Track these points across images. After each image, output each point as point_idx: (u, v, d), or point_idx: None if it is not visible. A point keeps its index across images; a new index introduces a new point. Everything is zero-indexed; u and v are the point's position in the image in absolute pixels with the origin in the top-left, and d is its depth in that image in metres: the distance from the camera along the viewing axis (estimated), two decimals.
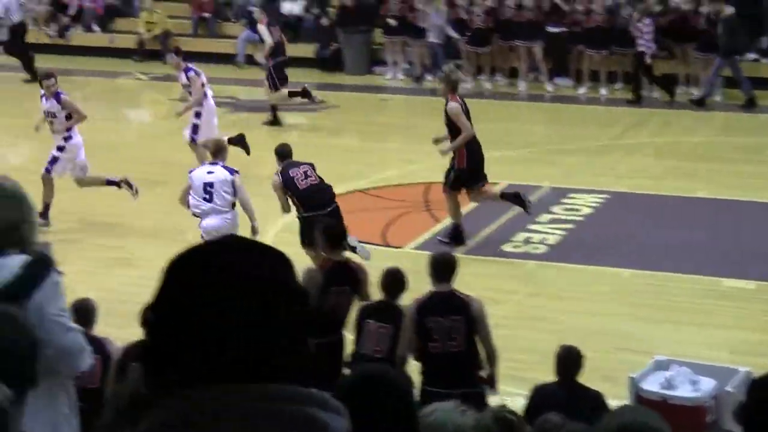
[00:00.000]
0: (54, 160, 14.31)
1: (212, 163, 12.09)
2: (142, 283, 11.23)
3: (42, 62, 24.74)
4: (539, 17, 22.42)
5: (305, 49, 24.59)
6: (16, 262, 4.65)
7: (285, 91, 19.06)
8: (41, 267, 4.69)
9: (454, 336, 8.18)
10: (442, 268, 8.36)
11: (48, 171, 14.25)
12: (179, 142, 16.79)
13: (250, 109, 20.18)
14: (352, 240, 11.95)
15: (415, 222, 14.31)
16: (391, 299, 8.70)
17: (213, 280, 1.98)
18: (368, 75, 24.29)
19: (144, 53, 25.44)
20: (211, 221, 11.70)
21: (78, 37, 26.18)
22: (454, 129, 13.17)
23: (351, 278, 8.99)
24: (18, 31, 23.91)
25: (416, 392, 7.93)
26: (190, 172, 12.13)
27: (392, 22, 23.81)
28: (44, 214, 13.63)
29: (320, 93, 22.47)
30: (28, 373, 3.43)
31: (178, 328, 1.96)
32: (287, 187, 11.79)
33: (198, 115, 16.22)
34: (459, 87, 13.65)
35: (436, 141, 13.78)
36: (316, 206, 11.72)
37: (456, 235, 13.41)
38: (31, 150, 17.29)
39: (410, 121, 20.73)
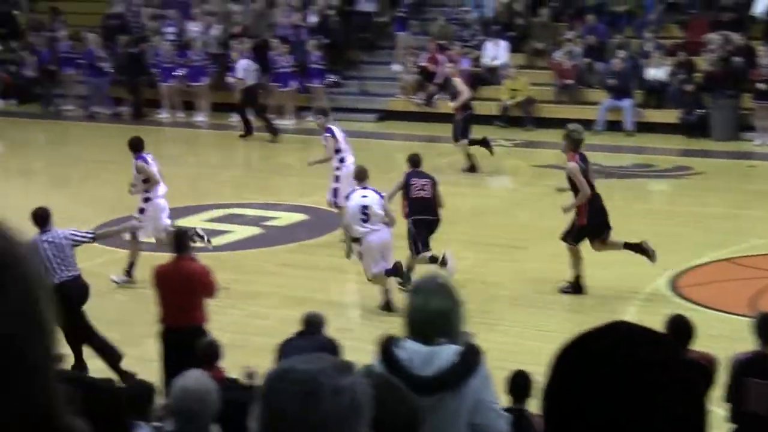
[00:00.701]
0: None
1: (363, 188, 13.46)
2: (506, 348, 11.36)
3: (411, 129, 25.65)
4: None
5: (669, 115, 24.22)
6: (450, 351, 4.93)
7: (465, 141, 20.80)
8: (474, 356, 4.96)
9: None
10: None
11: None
12: (542, 207, 16.90)
13: (610, 175, 20.01)
14: (448, 256, 13.47)
15: None
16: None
17: (606, 369, 1.96)
18: (736, 141, 23.57)
19: (507, 120, 25.84)
20: (373, 237, 13.19)
21: (444, 104, 26.94)
22: (573, 186, 13.48)
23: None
24: (251, 92, 25.77)
25: None
26: (346, 199, 13.64)
27: (762, 86, 23.07)
28: (128, 272, 14.38)
29: (685, 159, 22.04)
30: None
31: (572, 417, 1.96)
32: (404, 188, 13.85)
33: (336, 179, 16.36)
34: (581, 146, 13.75)
35: (560, 190, 14.25)
36: (419, 213, 13.69)
37: (577, 286, 13.61)
38: None
39: None
